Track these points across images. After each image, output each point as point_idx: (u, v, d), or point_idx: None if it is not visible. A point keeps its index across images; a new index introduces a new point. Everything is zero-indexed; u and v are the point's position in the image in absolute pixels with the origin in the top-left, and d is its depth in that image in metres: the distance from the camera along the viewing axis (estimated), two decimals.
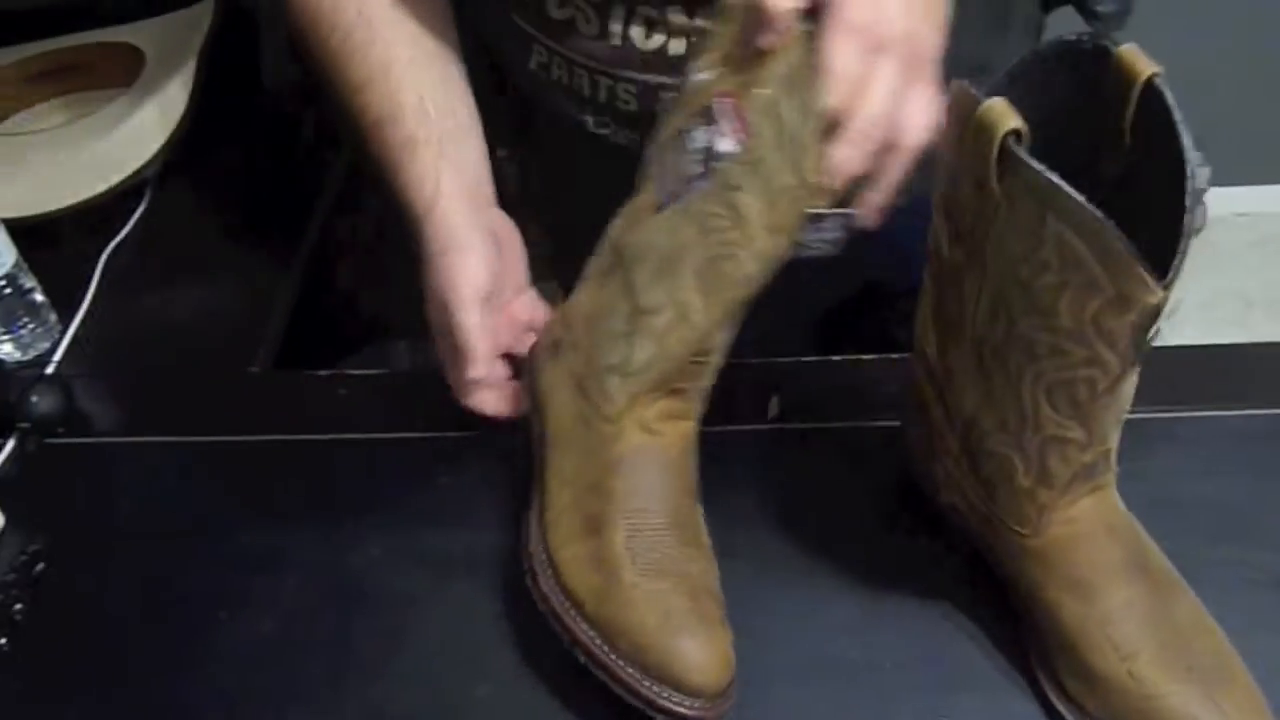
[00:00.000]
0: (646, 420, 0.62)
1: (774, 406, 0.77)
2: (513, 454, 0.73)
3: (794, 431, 0.77)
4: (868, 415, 0.77)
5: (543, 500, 0.64)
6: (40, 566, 0.74)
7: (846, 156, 0.51)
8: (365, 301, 1.12)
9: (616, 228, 0.64)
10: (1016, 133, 0.46)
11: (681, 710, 0.57)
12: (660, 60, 0.73)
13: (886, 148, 0.52)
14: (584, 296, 0.66)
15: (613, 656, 0.58)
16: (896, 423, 0.73)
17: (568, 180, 0.89)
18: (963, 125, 0.50)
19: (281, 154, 1.06)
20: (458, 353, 0.71)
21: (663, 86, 0.74)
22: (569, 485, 0.63)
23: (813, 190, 0.53)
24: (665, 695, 0.57)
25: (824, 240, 0.60)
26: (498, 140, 0.80)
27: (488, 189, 0.76)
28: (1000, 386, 0.56)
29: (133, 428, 0.83)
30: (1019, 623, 0.65)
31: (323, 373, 0.88)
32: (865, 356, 0.81)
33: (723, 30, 0.56)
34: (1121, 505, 0.61)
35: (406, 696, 0.67)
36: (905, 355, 0.70)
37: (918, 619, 0.68)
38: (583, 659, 0.61)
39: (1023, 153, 0.46)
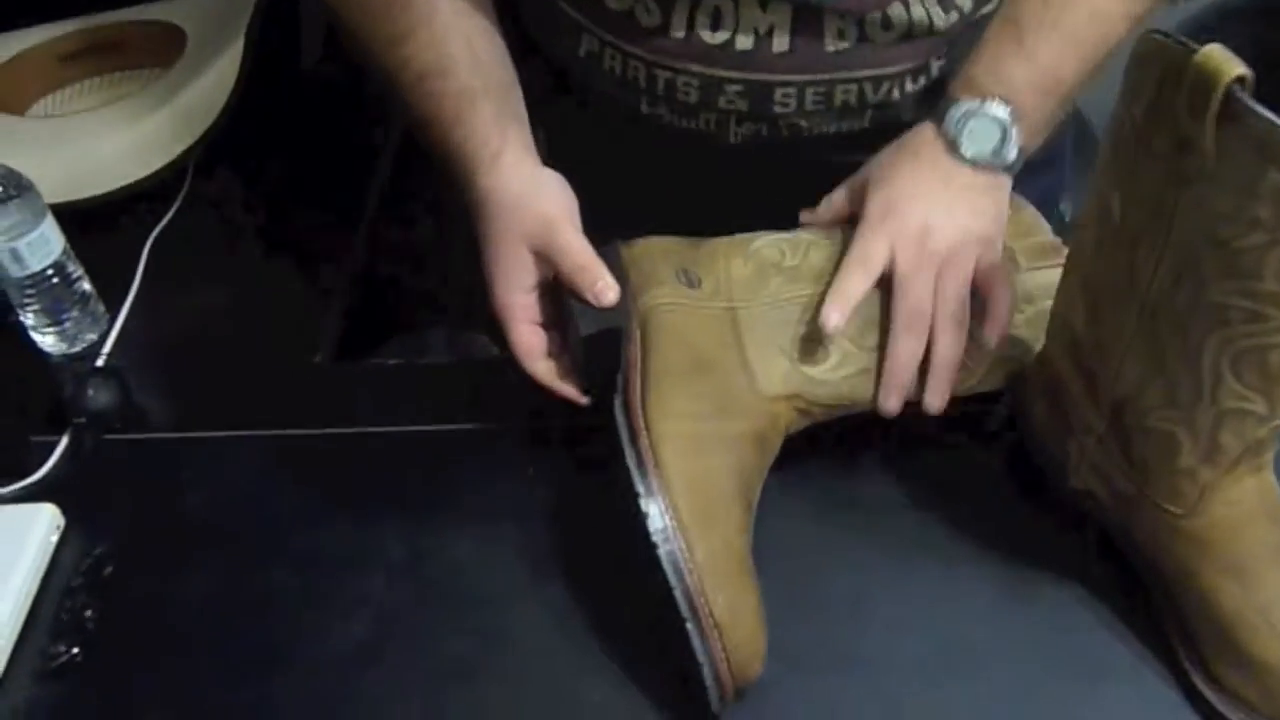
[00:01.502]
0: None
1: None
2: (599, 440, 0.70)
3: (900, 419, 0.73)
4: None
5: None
6: (109, 570, 0.69)
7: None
8: (408, 288, 1.07)
9: None
10: (1241, 79, 0.44)
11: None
12: (726, 54, 0.70)
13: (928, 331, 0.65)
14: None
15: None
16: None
17: (602, 153, 0.84)
18: (1166, 77, 0.47)
19: (331, 136, 1.01)
20: (580, 270, 0.65)
21: (727, 80, 0.71)
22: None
23: None
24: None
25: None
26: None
27: (533, 145, 0.72)
28: (1175, 357, 0.53)
29: (193, 422, 0.78)
30: (1158, 609, 0.62)
31: (393, 362, 0.84)
32: None
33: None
34: (1278, 486, 0.58)
35: (507, 701, 0.63)
36: None
37: (1051, 606, 0.65)
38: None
39: (1250, 100, 0.44)
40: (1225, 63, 0.44)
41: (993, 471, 0.71)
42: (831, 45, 0.69)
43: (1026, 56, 0.64)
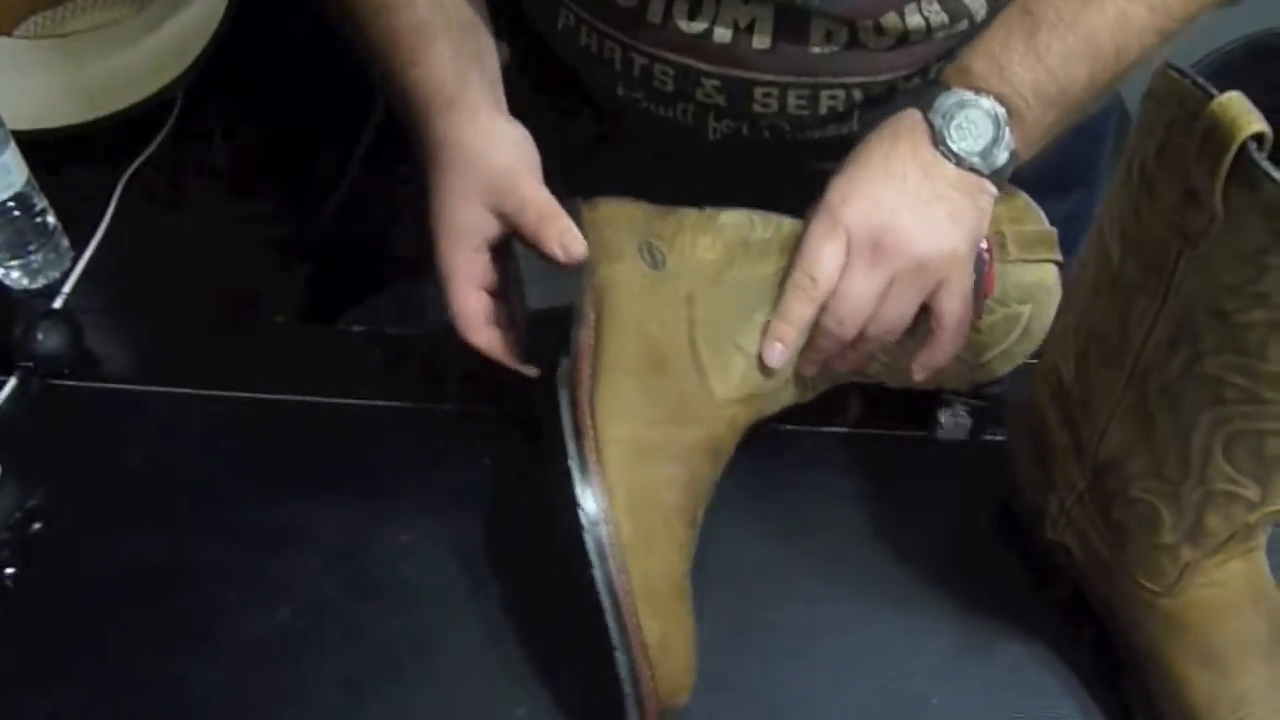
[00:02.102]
0: None
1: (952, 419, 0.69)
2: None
3: (878, 438, 0.69)
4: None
5: None
6: (36, 526, 0.66)
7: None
8: (401, 237, 1.03)
9: None
10: (1259, 136, 0.38)
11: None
12: (702, 46, 0.64)
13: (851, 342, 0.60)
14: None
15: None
16: (1000, 438, 0.65)
17: (582, 134, 0.78)
18: (1177, 120, 0.41)
19: (324, 73, 0.96)
20: (543, 222, 0.58)
21: (704, 73, 0.65)
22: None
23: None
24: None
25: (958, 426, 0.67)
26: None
27: (501, 93, 0.65)
28: (1164, 428, 0.48)
29: (146, 375, 0.74)
30: (1126, 685, 0.58)
31: (358, 329, 0.80)
32: None
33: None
34: (1268, 572, 0.53)
35: (432, 707, 0.60)
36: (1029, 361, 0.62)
37: (1012, 664, 0.60)
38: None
39: (1266, 163, 0.38)
40: (1243, 115, 0.38)
41: (965, 507, 0.66)
42: (817, 48, 0.62)
43: (1036, 55, 0.57)
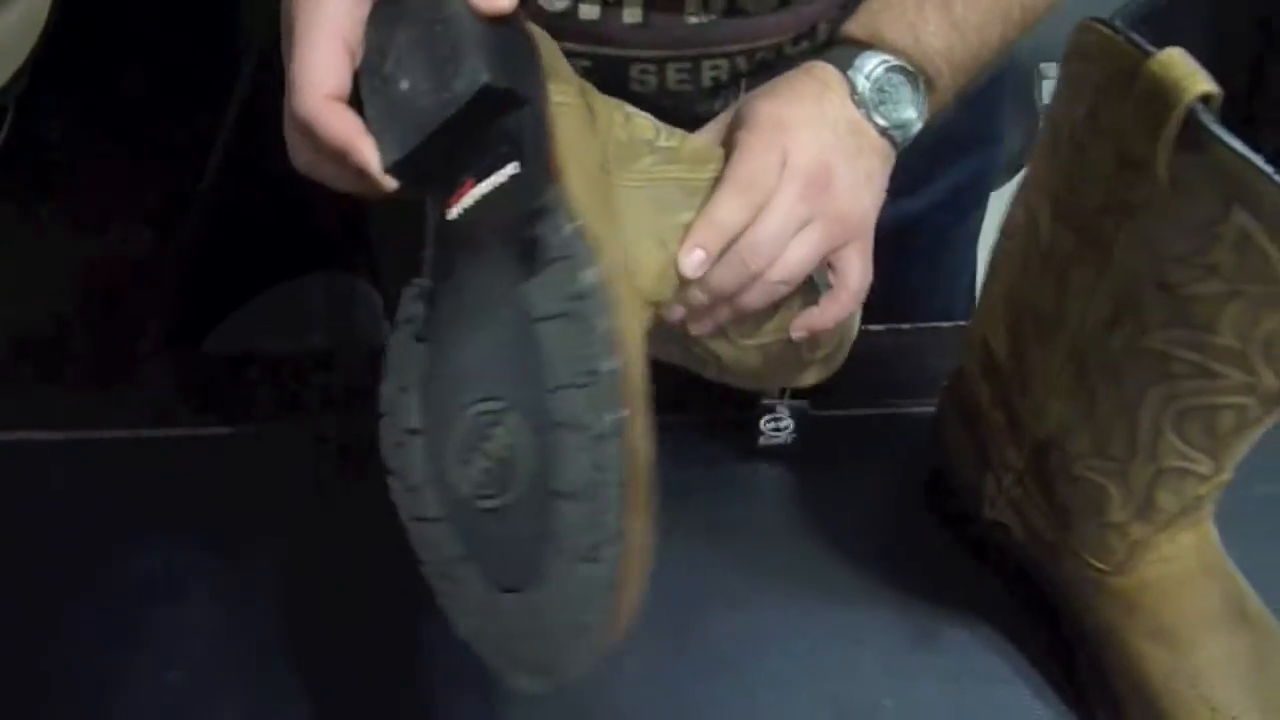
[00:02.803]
0: None
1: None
2: None
3: (812, 419, 0.65)
4: (904, 398, 0.65)
5: None
6: None
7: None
8: (276, 233, 0.96)
9: None
10: (1206, 97, 0.35)
11: None
12: (568, 23, 0.57)
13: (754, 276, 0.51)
14: None
15: None
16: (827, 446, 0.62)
17: None
18: (1110, 81, 0.38)
19: (176, 67, 0.89)
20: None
21: (573, 53, 0.58)
22: None
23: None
24: None
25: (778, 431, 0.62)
26: None
27: None
28: (1107, 406, 0.45)
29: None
30: (1079, 665, 0.55)
31: (232, 352, 0.74)
32: (904, 326, 0.68)
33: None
34: (1217, 541, 0.51)
35: None
36: (960, 324, 0.59)
37: (961, 651, 0.58)
38: None
39: (1217, 126, 0.34)
40: (1187, 75, 0.35)
41: (901, 494, 0.63)
42: (694, 17, 0.57)
43: (952, 22, 0.53)
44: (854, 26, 0.55)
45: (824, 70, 0.54)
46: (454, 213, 0.43)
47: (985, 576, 0.60)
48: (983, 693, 0.57)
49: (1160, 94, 0.35)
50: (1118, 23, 0.38)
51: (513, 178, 0.43)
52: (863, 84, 0.52)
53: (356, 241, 1.31)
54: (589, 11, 0.57)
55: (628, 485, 0.39)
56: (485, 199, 0.43)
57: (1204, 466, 0.44)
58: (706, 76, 0.60)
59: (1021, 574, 0.58)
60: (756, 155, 0.51)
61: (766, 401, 0.63)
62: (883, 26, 0.53)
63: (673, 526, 0.61)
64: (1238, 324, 0.38)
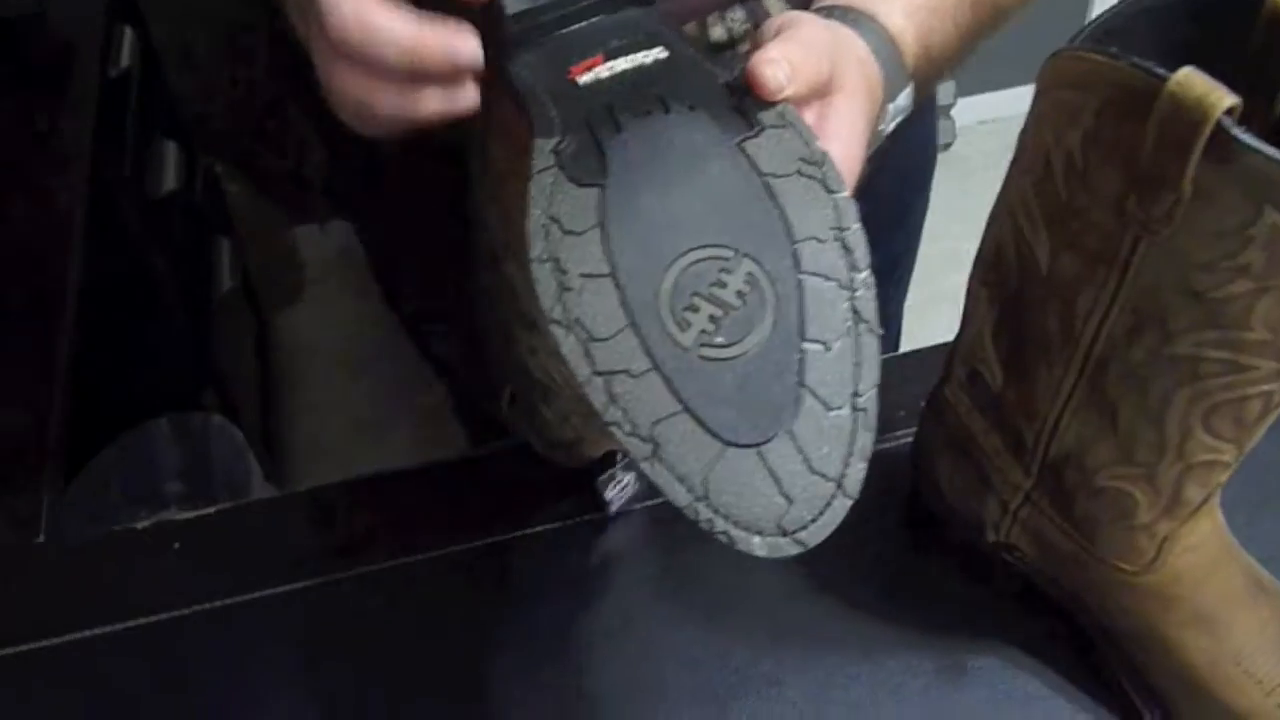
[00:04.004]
0: None
1: None
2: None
3: None
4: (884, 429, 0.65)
5: None
6: None
7: None
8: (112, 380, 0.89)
9: None
10: (1231, 110, 0.36)
11: None
12: None
13: None
14: None
15: None
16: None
17: None
18: (1113, 105, 0.39)
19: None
20: None
21: None
22: None
23: None
24: None
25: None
26: None
27: None
28: (1130, 415, 0.46)
29: None
30: (1112, 667, 0.56)
31: (143, 524, 0.67)
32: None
33: None
34: (1223, 520, 0.53)
35: None
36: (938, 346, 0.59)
37: (991, 682, 0.58)
38: None
39: (1244, 134, 0.36)
40: (1210, 92, 0.36)
41: (888, 530, 0.63)
42: None
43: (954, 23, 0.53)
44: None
45: (868, 54, 0.49)
46: (585, 79, 0.40)
47: (993, 600, 0.60)
48: (1023, 715, 0.57)
49: (1184, 112, 0.36)
50: (1117, 51, 0.39)
51: (659, 61, 0.41)
52: (885, 70, 0.49)
53: (204, 376, 1.24)
54: None
55: (877, 336, 0.37)
56: (624, 75, 0.40)
57: (1229, 454, 0.45)
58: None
59: (1030, 591, 0.59)
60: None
61: (608, 472, 0.62)
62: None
63: (633, 577, 0.60)
64: (1269, 317, 0.39)
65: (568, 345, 0.35)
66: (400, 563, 0.63)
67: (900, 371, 0.68)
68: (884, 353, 0.37)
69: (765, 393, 0.35)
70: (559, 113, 0.39)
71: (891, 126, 0.52)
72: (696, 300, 0.36)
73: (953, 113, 1.94)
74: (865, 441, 0.35)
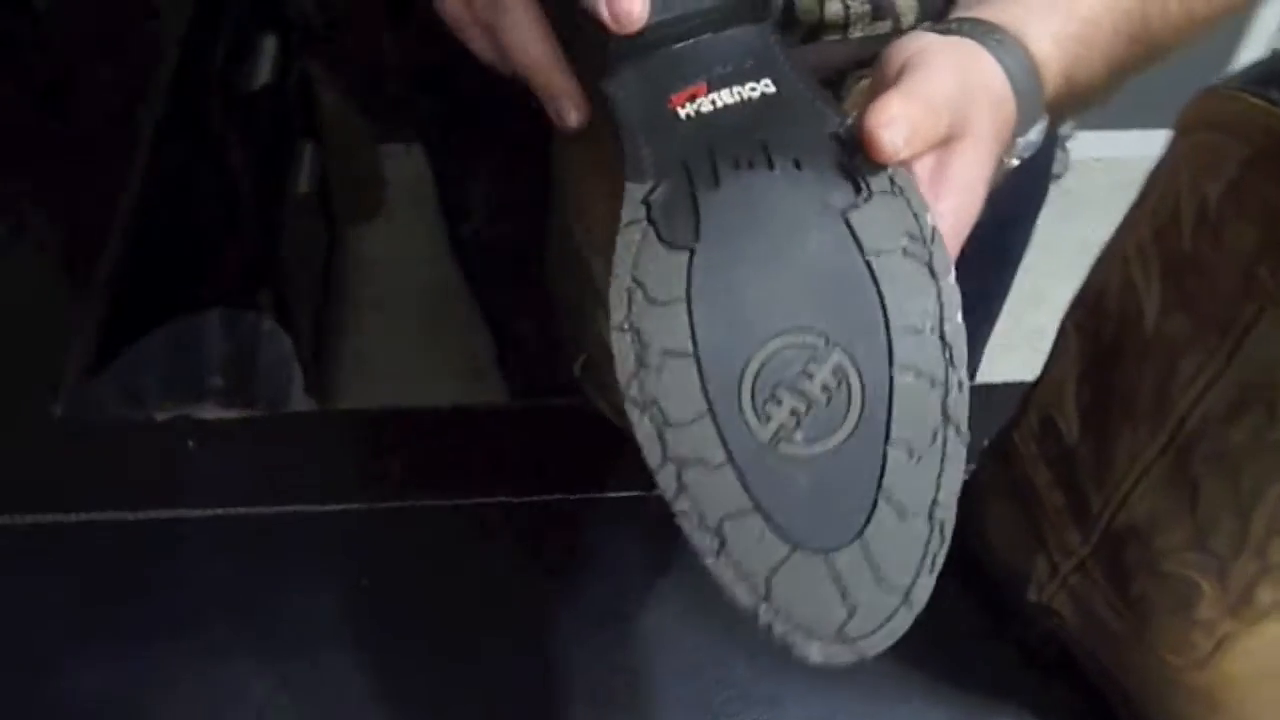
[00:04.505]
0: None
1: None
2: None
3: None
4: None
5: None
6: None
7: None
8: (174, 262, 0.87)
9: None
10: None
11: None
12: None
13: None
14: None
15: None
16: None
17: None
18: (1264, 155, 0.34)
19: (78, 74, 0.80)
20: None
21: None
22: None
23: None
24: None
25: None
26: None
27: None
28: (1214, 500, 0.41)
29: None
30: None
31: (162, 416, 0.65)
32: None
33: None
34: None
35: None
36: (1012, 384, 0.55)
37: None
38: None
39: None
40: None
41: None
42: None
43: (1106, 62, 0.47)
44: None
45: (999, 82, 0.44)
46: (685, 112, 0.37)
47: (1021, 661, 0.56)
48: None
49: None
50: (1249, 88, 0.34)
51: (766, 96, 0.37)
52: (1021, 107, 0.44)
53: (264, 277, 1.23)
54: None
55: (965, 441, 0.34)
56: (727, 111, 0.37)
57: None
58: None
59: (1065, 659, 0.55)
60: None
61: None
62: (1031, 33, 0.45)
63: (684, 628, 0.57)
64: None
65: (642, 428, 0.33)
66: (414, 505, 0.60)
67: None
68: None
69: (840, 496, 0.33)
70: (653, 152, 0.37)
71: (1016, 163, 0.47)
72: (780, 392, 0.34)
73: (1069, 144, 1.87)
74: (938, 553, 0.33)
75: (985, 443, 0.56)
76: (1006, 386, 0.65)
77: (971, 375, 0.84)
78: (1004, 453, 0.53)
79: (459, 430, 0.65)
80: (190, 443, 0.62)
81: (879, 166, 0.36)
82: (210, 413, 1.18)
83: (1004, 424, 0.54)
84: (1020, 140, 0.45)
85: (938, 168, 0.40)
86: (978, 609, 0.57)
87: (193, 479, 0.61)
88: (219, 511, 0.58)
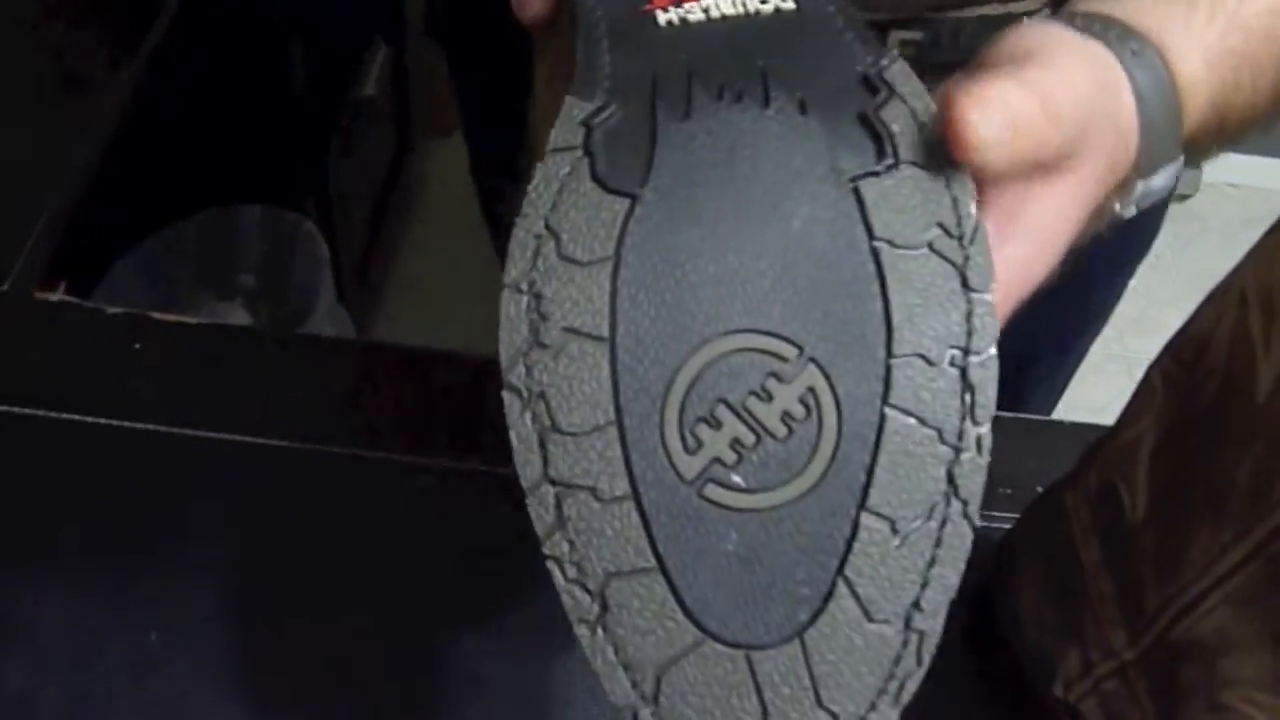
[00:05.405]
0: None
1: None
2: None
3: None
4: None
5: None
6: None
7: None
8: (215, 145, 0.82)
9: None
10: None
11: None
12: None
13: None
14: None
15: None
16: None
17: None
18: None
19: None
20: None
21: None
22: None
23: None
24: None
25: None
26: None
27: None
28: None
29: None
30: None
31: (115, 311, 0.59)
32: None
33: None
34: None
35: None
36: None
37: None
38: None
39: None
40: None
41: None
42: None
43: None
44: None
45: (1126, 108, 0.34)
46: (667, 18, 0.28)
47: None
48: None
49: None
50: None
51: (780, 12, 0.28)
52: (1146, 142, 0.34)
53: (310, 178, 1.16)
54: None
55: (972, 526, 0.25)
56: (723, 23, 0.27)
57: None
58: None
59: None
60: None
61: None
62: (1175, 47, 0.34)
63: None
64: None
65: (519, 429, 0.24)
66: (405, 460, 0.52)
67: (1023, 438, 0.54)
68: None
69: (782, 573, 0.24)
70: (613, 62, 0.27)
71: (1132, 211, 0.37)
72: (721, 412, 0.24)
73: (1202, 162, 1.71)
74: (909, 678, 0.23)
75: (1039, 490, 0.47)
76: (1077, 428, 0.55)
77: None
78: (1051, 513, 0.43)
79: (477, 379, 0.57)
80: (137, 345, 0.56)
81: (924, 141, 0.26)
82: (237, 317, 1.12)
83: (1062, 476, 0.45)
84: (1140, 185, 0.35)
85: (1016, 201, 0.30)
86: (993, 687, 0.48)
87: (132, 384, 0.54)
88: (140, 426, 0.51)
